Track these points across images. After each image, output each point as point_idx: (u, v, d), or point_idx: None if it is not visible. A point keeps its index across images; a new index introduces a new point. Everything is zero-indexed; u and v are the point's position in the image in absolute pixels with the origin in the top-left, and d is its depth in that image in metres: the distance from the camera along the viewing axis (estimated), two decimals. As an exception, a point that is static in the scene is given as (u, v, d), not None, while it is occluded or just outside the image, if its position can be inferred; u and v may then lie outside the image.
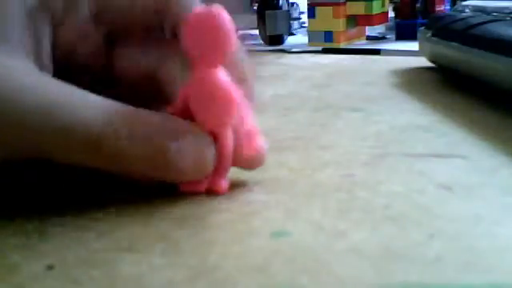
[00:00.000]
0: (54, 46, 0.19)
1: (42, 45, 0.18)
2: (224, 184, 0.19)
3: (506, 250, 0.15)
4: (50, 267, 0.15)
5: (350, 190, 0.19)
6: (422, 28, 0.44)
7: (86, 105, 0.17)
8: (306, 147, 0.25)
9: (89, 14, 0.19)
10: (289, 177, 0.21)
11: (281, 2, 0.66)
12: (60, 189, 0.20)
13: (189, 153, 0.17)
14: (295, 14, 0.72)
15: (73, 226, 0.17)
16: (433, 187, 0.19)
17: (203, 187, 0.19)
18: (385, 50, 0.56)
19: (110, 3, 0.20)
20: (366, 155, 0.23)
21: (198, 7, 0.17)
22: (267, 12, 0.65)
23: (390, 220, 0.17)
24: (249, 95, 0.19)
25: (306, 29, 0.64)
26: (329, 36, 0.60)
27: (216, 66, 0.17)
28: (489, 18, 0.37)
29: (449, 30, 0.38)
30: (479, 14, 0.40)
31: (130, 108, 0.17)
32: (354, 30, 0.62)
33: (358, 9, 0.60)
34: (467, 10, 0.43)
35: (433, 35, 0.41)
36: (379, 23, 0.63)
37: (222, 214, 0.17)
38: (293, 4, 0.71)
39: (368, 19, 0.60)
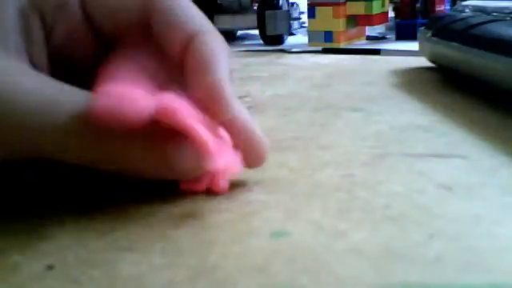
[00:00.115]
0: (49, 47, 0.19)
1: (34, 44, 0.18)
2: (224, 184, 0.19)
3: (506, 250, 0.15)
4: (50, 267, 0.15)
5: (349, 189, 0.19)
6: (422, 28, 0.44)
7: (85, 105, 0.17)
8: (306, 147, 0.25)
9: (81, 15, 0.19)
10: (289, 177, 0.21)
11: (281, 2, 0.66)
12: (60, 189, 0.20)
13: (187, 151, 0.17)
14: (295, 14, 0.72)
15: (73, 226, 0.17)
16: (433, 187, 0.19)
17: (203, 186, 0.19)
18: (385, 50, 0.56)
19: (100, 3, 0.20)
20: (366, 155, 0.23)
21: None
22: (267, 12, 0.66)
23: (390, 220, 0.17)
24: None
25: (306, 29, 0.64)
26: (329, 36, 0.60)
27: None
28: (489, 18, 0.37)
29: (449, 30, 0.38)
30: (479, 14, 0.40)
31: None
32: (353, 30, 0.62)
33: (358, 9, 0.60)
34: (467, 10, 0.43)
35: (433, 35, 0.41)
36: (379, 23, 0.63)
37: (222, 214, 0.17)
38: (293, 4, 0.71)
39: (368, 19, 0.60)
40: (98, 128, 0.16)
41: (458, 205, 0.18)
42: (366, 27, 0.65)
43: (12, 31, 0.18)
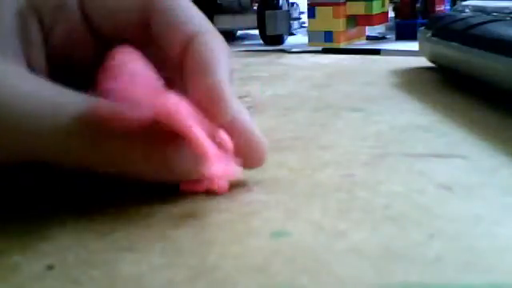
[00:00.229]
0: (48, 48, 0.19)
1: (32, 46, 0.18)
2: (224, 184, 0.19)
3: (506, 250, 0.15)
4: (50, 267, 0.15)
5: (349, 189, 0.19)
6: (422, 28, 0.44)
7: (83, 107, 0.17)
8: (306, 147, 0.25)
9: (79, 15, 0.19)
10: (289, 177, 0.21)
11: (281, 2, 0.66)
12: (59, 190, 0.20)
13: (187, 153, 0.17)
14: (295, 14, 0.72)
15: (73, 226, 0.17)
16: (433, 187, 0.19)
17: (203, 187, 0.19)
18: (385, 50, 0.56)
19: (99, 3, 0.20)
20: (366, 155, 0.23)
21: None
22: (267, 12, 0.65)
23: (390, 220, 0.17)
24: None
25: (306, 29, 0.64)
26: (329, 36, 0.60)
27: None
28: (489, 18, 0.37)
29: (449, 30, 0.38)
30: (479, 13, 0.40)
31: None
32: (353, 30, 0.62)
33: (358, 9, 0.60)
34: (467, 10, 0.43)
35: (433, 35, 0.41)
36: (379, 23, 0.63)
37: (222, 214, 0.17)
38: (293, 4, 0.71)
39: (368, 19, 0.60)
40: (96, 130, 0.16)
41: (458, 205, 0.18)
42: (366, 27, 0.65)
43: (9, 34, 0.18)
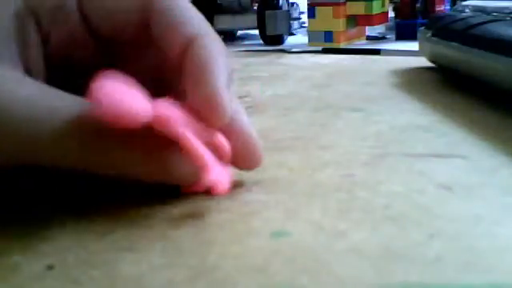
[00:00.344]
0: (46, 50, 0.19)
1: (30, 47, 0.18)
2: (224, 187, 0.18)
3: (506, 250, 0.15)
4: (50, 267, 0.15)
5: (349, 189, 0.19)
6: (422, 28, 0.44)
7: (81, 110, 0.17)
8: (306, 147, 0.25)
9: (78, 16, 0.19)
10: (288, 177, 0.21)
11: (281, 2, 0.66)
12: (59, 191, 0.20)
13: (187, 158, 0.17)
14: (295, 14, 0.72)
15: (73, 226, 0.17)
16: (433, 187, 0.19)
17: (203, 187, 0.19)
18: (385, 50, 0.56)
19: (97, 4, 0.19)
20: (366, 155, 0.23)
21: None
22: (267, 12, 0.66)
23: (390, 220, 0.17)
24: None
25: (306, 29, 0.64)
26: (329, 36, 0.60)
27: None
28: (489, 17, 0.37)
29: (449, 30, 0.38)
30: (479, 14, 0.40)
31: None
32: (353, 30, 0.62)
33: (358, 9, 0.60)
34: (467, 10, 0.43)
35: (433, 35, 0.41)
36: (379, 23, 0.63)
37: (222, 214, 0.17)
38: (293, 4, 0.71)
39: (368, 19, 0.60)
40: (93, 133, 0.16)
41: (458, 205, 0.18)
42: (366, 27, 0.65)
43: (6, 36, 0.18)
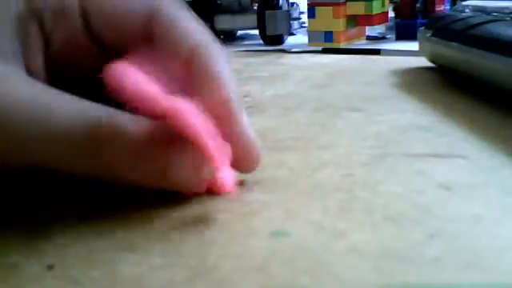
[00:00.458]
0: (48, 52, 0.19)
1: (31, 50, 0.18)
2: (231, 185, 0.18)
3: (506, 250, 0.15)
4: (50, 267, 0.15)
5: (349, 189, 0.19)
6: (422, 28, 0.44)
7: (82, 113, 0.16)
8: (306, 147, 0.25)
9: (81, 23, 0.19)
10: (288, 177, 0.21)
11: (281, 2, 0.66)
12: (60, 190, 0.20)
13: (184, 160, 0.17)
14: (295, 14, 0.72)
15: (73, 226, 0.17)
16: (433, 187, 0.19)
17: (204, 188, 0.19)
18: (385, 50, 0.56)
19: (105, 18, 0.19)
20: (366, 155, 0.23)
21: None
22: (267, 12, 0.65)
23: (390, 220, 0.17)
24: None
25: (306, 29, 0.64)
26: (329, 36, 0.60)
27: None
28: (489, 17, 0.37)
29: (449, 30, 0.38)
30: (479, 14, 0.40)
31: (128, 116, 0.17)
32: (353, 30, 0.62)
33: (358, 9, 0.60)
34: (467, 10, 0.43)
35: (433, 35, 0.41)
36: (379, 23, 0.63)
37: (222, 214, 0.17)
38: (293, 4, 0.71)
39: (368, 19, 0.60)
40: (89, 138, 0.16)
41: (458, 205, 0.18)
42: (366, 27, 0.65)
43: (9, 36, 0.18)
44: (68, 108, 0.17)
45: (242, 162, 0.19)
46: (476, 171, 0.20)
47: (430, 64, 0.44)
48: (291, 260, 0.14)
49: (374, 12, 0.60)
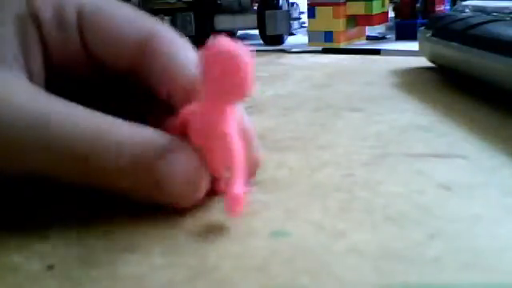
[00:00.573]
0: (46, 59, 0.19)
1: (31, 50, 0.18)
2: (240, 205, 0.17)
3: (506, 250, 0.15)
4: (50, 267, 0.15)
5: (350, 189, 0.19)
6: (422, 28, 0.44)
7: (76, 119, 0.16)
8: (306, 147, 0.25)
9: (78, 39, 0.19)
10: (288, 177, 0.21)
11: (281, 2, 0.66)
12: (60, 190, 0.20)
13: (178, 172, 0.17)
14: (295, 14, 0.72)
15: (73, 226, 0.17)
16: (433, 187, 0.19)
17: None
18: (385, 50, 0.56)
19: (97, 34, 0.19)
20: (366, 155, 0.23)
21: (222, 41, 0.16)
22: (267, 12, 0.65)
23: (390, 220, 0.17)
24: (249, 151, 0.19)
25: (306, 29, 0.64)
26: (329, 36, 0.60)
27: (229, 106, 0.17)
28: (489, 17, 0.37)
29: (449, 30, 0.38)
30: (479, 14, 0.40)
31: (121, 122, 0.17)
32: (353, 30, 0.62)
33: (358, 9, 0.60)
34: (467, 10, 0.43)
35: (433, 35, 0.41)
36: (379, 23, 0.63)
37: (222, 214, 0.17)
38: (293, 4, 0.71)
39: (368, 19, 0.60)
40: (77, 142, 0.16)
41: (458, 205, 0.18)
42: (366, 27, 0.65)
43: (10, 38, 0.18)
44: (64, 114, 0.16)
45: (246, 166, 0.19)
46: (476, 171, 0.20)
47: (430, 64, 0.44)
48: (291, 260, 0.14)
49: (374, 12, 0.60)
